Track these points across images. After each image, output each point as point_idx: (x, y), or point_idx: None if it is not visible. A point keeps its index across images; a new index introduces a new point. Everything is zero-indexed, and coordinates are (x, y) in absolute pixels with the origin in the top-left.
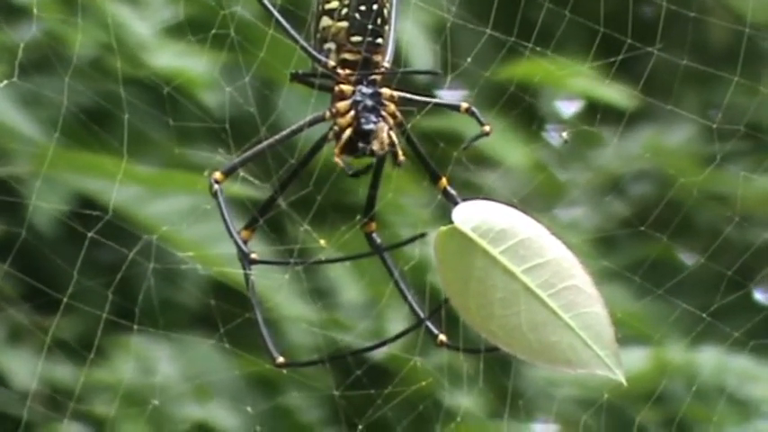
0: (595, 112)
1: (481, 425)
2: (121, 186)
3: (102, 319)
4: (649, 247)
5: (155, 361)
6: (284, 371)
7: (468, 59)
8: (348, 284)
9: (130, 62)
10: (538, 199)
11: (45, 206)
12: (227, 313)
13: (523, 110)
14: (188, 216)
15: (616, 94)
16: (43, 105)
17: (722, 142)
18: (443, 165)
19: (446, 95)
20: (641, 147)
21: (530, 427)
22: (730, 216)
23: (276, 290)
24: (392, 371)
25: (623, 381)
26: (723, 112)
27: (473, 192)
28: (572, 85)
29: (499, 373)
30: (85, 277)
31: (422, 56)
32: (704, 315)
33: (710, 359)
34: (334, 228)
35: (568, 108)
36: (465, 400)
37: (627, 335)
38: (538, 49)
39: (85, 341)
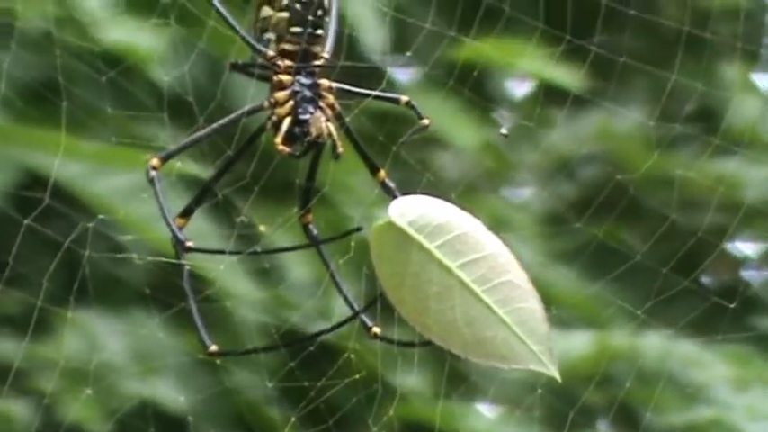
0: (546, 93)
1: (424, 406)
2: (66, 162)
3: (42, 294)
4: (597, 229)
5: (99, 337)
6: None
7: (409, 53)
8: (295, 263)
9: (79, 37)
10: (487, 180)
11: None
12: (168, 295)
13: (474, 90)
14: (131, 195)
15: (566, 75)
16: None
17: (670, 126)
18: (389, 149)
19: (398, 74)
20: (591, 130)
21: (473, 407)
22: (678, 200)
23: (221, 270)
24: (335, 355)
25: (557, 377)
26: (673, 96)
27: (422, 172)
28: (523, 66)
29: (442, 354)
30: (32, 252)
31: (371, 34)
32: (639, 312)
33: (655, 344)
34: (275, 210)
35: (519, 89)
36: (408, 381)
37: (572, 317)
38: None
39: (29, 316)
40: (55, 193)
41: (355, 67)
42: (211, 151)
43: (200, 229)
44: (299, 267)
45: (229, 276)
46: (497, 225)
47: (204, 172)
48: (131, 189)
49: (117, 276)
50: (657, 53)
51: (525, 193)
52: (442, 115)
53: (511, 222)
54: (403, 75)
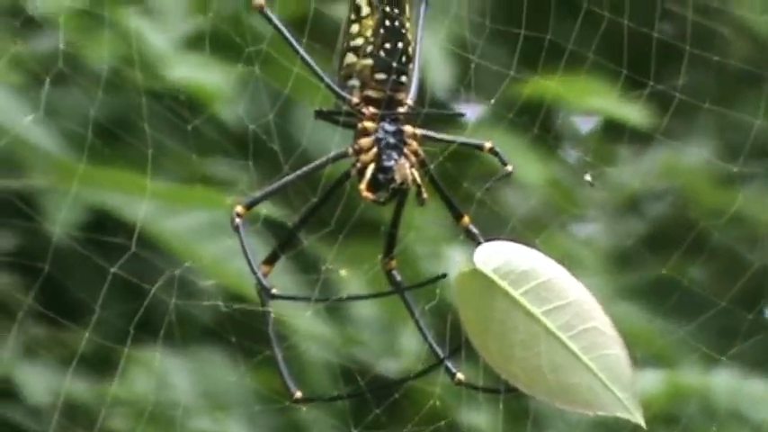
0: (612, 128)
1: None
2: (138, 201)
3: (126, 335)
4: (665, 266)
5: (169, 375)
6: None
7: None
8: (363, 302)
9: (149, 75)
10: (554, 216)
11: (63, 224)
12: (244, 334)
13: (541, 126)
14: (205, 234)
15: (635, 113)
16: (59, 117)
17: (740, 162)
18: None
19: (465, 112)
20: (657, 166)
21: None
22: (747, 237)
23: (294, 310)
24: (409, 397)
25: (642, 423)
26: (741, 133)
27: (489, 209)
28: (591, 104)
29: (524, 399)
30: (98, 288)
31: (441, 72)
32: (724, 358)
33: (725, 382)
34: (357, 255)
35: (585, 124)
36: (480, 420)
37: (641, 354)
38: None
39: (101, 355)
40: (130, 233)
41: (428, 117)
42: (296, 197)
43: (274, 276)
44: (366, 305)
45: (300, 316)
46: (565, 261)
47: (288, 218)
48: (206, 228)
49: (191, 317)
50: (723, 89)
51: (592, 229)
52: (509, 152)
53: (578, 259)
54: (470, 112)
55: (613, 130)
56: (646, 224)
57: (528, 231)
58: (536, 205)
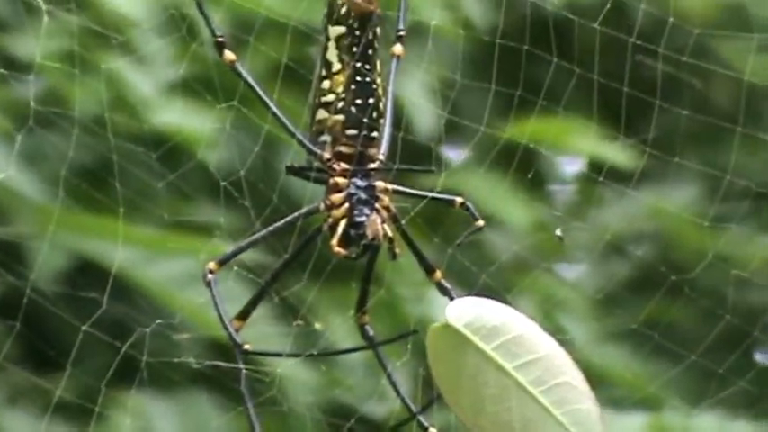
0: (598, 170)
1: None
2: (121, 248)
3: (103, 381)
4: (650, 307)
5: (153, 419)
6: None
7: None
8: (346, 343)
9: (133, 120)
10: (539, 258)
11: (46, 270)
12: (222, 384)
13: (525, 168)
14: (185, 281)
15: (620, 153)
16: (41, 164)
17: (725, 203)
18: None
19: (447, 152)
20: (643, 208)
21: None
22: (734, 277)
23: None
24: None
25: None
26: (725, 173)
27: (474, 250)
28: (575, 145)
29: None
30: (87, 334)
31: (423, 117)
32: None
33: (709, 424)
34: (340, 296)
35: (571, 166)
36: None
37: (625, 396)
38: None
39: (84, 401)
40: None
41: (412, 160)
42: (271, 250)
43: (257, 321)
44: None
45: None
46: (550, 304)
47: (266, 265)
48: (185, 277)
49: (171, 365)
50: (706, 131)
51: (578, 272)
52: (494, 194)
53: (564, 301)
54: (455, 155)
55: (599, 173)
56: (631, 266)
57: (513, 274)
58: (522, 248)
